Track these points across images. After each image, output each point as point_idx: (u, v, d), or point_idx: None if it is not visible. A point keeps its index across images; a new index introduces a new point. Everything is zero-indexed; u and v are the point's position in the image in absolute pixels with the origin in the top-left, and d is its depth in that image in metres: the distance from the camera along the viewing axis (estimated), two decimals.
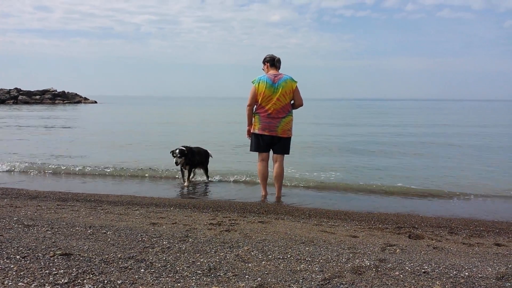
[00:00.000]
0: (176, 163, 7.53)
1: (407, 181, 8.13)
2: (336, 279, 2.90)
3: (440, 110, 54.68)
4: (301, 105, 6.49)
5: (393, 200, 6.82)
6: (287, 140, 6.43)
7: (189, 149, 7.73)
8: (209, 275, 2.92)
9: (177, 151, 7.53)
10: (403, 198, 6.92)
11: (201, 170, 8.25)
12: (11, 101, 59.17)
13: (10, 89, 63.37)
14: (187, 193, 7.12)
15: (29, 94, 62.86)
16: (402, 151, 13.04)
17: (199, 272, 2.98)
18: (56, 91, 66.86)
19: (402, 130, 21.90)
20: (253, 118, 6.42)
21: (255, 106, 6.37)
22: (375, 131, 20.77)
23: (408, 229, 4.74)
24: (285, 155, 6.51)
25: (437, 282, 2.89)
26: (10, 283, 2.66)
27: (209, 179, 8.17)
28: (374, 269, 3.12)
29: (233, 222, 4.71)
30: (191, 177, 7.99)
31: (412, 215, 5.64)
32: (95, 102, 72.21)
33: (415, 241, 4.17)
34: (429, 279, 2.95)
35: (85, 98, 71.42)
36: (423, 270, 3.12)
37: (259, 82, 6.25)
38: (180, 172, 8.00)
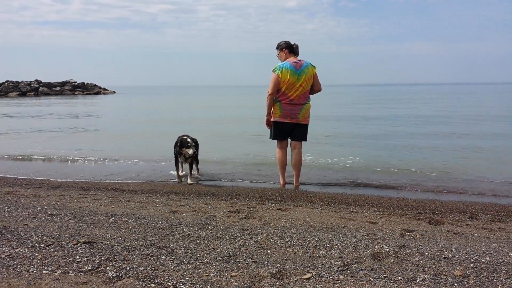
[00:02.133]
0: (193, 153, 6.71)
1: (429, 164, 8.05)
2: (355, 265, 2.91)
3: (469, 95, 53.38)
4: (320, 90, 6.52)
5: (412, 184, 6.76)
6: (306, 126, 6.44)
7: (194, 139, 6.94)
8: (229, 262, 2.96)
9: (190, 140, 6.76)
10: (422, 181, 6.86)
11: (193, 162, 7.19)
12: (32, 93, 60.16)
13: (31, 81, 64.41)
14: (204, 182, 7.15)
15: (49, 86, 63.84)
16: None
17: (219, 258, 3.02)
18: (75, 82, 67.76)
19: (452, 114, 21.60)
20: (272, 107, 6.38)
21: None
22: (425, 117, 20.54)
23: (428, 215, 4.70)
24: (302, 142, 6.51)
25: (458, 268, 2.88)
26: (35, 271, 2.74)
27: (199, 173, 7.43)
28: (393, 255, 3.12)
29: (251, 209, 4.74)
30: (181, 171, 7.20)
31: (432, 201, 5.59)
32: (114, 92, 72.92)
33: (435, 227, 4.14)
34: (450, 265, 2.93)
35: (104, 89, 72.21)
36: (443, 256, 3.11)
37: (281, 70, 6.20)
38: (175, 166, 7.10)
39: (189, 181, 6.81)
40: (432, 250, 3.25)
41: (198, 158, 7.32)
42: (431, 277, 2.73)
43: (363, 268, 2.85)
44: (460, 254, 3.15)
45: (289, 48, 6.42)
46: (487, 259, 3.06)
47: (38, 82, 64.43)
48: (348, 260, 3.01)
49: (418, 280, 2.68)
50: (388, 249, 3.25)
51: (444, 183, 6.83)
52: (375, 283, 2.63)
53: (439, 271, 2.82)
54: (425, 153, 9.88)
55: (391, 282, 2.64)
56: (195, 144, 6.79)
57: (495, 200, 5.78)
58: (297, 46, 6.44)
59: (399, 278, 2.70)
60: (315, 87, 6.45)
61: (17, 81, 63.86)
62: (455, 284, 2.63)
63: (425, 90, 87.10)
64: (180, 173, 7.05)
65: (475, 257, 3.08)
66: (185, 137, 6.86)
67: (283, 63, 6.29)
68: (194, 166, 7.13)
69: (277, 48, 6.54)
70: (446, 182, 6.93)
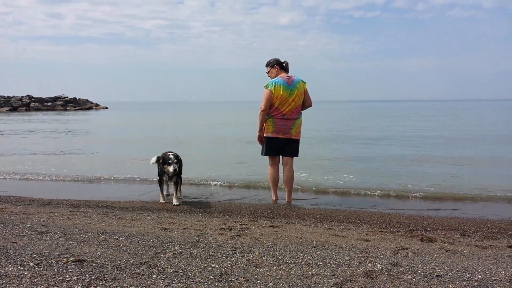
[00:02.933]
0: (175, 171, 6.16)
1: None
2: (348, 284, 2.89)
3: (465, 111, 53.62)
4: (311, 105, 6.61)
5: (405, 203, 6.78)
6: (298, 142, 6.47)
7: (177, 155, 6.41)
8: (221, 281, 2.93)
9: (172, 156, 6.25)
10: (416, 201, 6.88)
11: (178, 181, 6.61)
12: (23, 108, 59.89)
13: (22, 96, 64.16)
14: (195, 199, 7.11)
15: (41, 101, 63.61)
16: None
17: (211, 277, 2.99)
18: (67, 97, 67.60)
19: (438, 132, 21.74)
20: (265, 122, 6.41)
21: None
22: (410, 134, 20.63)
23: (420, 232, 4.71)
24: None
25: (450, 286, 2.88)
26: None
27: (181, 195, 6.85)
28: (386, 273, 3.11)
29: (244, 226, 4.72)
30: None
31: (424, 217, 5.60)
32: (106, 108, 72.80)
33: (427, 244, 4.15)
34: (442, 283, 2.93)
35: (96, 104, 72.08)
36: (436, 274, 3.10)
37: (274, 85, 6.26)
38: (160, 185, 6.60)
39: (174, 201, 6.28)
40: (424, 268, 3.25)
41: (182, 177, 6.78)
42: None
43: (356, 287, 2.84)
44: (452, 272, 3.15)
45: (279, 65, 6.51)
46: (480, 277, 3.06)
47: (30, 97, 64.19)
48: (341, 278, 2.99)
49: None
50: (381, 267, 3.24)
51: (436, 201, 6.85)
52: None
53: None
54: (418, 171, 9.93)
55: None
56: (177, 161, 6.24)
57: (487, 215, 5.80)
58: (287, 63, 6.54)
59: None
60: (306, 103, 6.53)
61: (8, 96, 63.60)
62: None
63: (421, 106, 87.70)
64: (165, 193, 6.66)
65: (468, 275, 3.08)
66: (168, 153, 6.35)
67: (275, 79, 6.35)
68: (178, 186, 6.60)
69: (267, 65, 6.61)
70: (438, 199, 6.96)
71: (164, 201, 6.40)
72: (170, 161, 6.18)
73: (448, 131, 22.06)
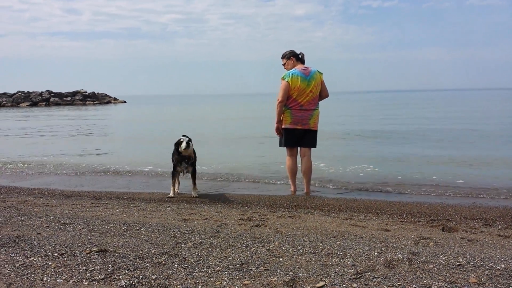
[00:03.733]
0: (188, 145, 6.06)
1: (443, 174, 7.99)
2: (369, 273, 2.88)
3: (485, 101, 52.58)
4: (327, 96, 6.62)
5: (425, 194, 6.71)
6: (316, 133, 6.46)
7: (190, 138, 6.25)
8: (241, 270, 2.95)
9: (183, 136, 6.18)
10: (435, 190, 6.80)
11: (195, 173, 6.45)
12: (43, 103, 60.84)
13: (42, 91, 65.14)
14: (214, 191, 7.13)
15: (60, 96, 64.54)
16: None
17: (231, 266, 3.01)
18: (86, 92, 68.43)
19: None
20: (283, 114, 6.40)
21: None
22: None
23: (441, 222, 4.66)
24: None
25: (473, 275, 2.84)
26: (49, 280, 2.76)
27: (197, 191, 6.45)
28: (407, 263, 3.09)
29: (263, 217, 4.73)
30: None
31: (445, 207, 5.53)
32: (125, 102, 73.50)
33: (449, 234, 4.10)
34: (464, 272, 2.90)
35: (115, 98, 72.83)
36: (457, 263, 3.07)
37: (291, 77, 6.26)
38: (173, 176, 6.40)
39: (193, 193, 6.30)
40: (446, 257, 3.21)
41: (196, 169, 6.53)
42: (446, 284, 2.69)
43: (376, 276, 2.83)
44: (475, 261, 3.11)
45: (296, 57, 6.50)
46: (502, 266, 3.01)
47: (49, 92, 65.15)
48: (362, 268, 2.98)
49: (433, 287, 2.65)
50: (401, 257, 3.22)
51: (457, 190, 6.77)
52: None
53: (454, 279, 2.78)
54: (439, 162, 9.80)
55: None
56: (189, 140, 6.13)
57: (510, 204, 5.71)
58: (303, 55, 6.53)
59: (414, 286, 2.67)
60: (323, 93, 6.53)
61: (28, 92, 64.63)
62: None
63: (439, 96, 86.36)
64: (176, 188, 6.42)
65: (490, 264, 3.04)
66: (181, 138, 6.23)
67: (292, 70, 6.34)
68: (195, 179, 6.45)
69: (283, 57, 6.59)
70: (460, 189, 6.87)
71: (173, 195, 6.26)
72: (181, 140, 6.12)
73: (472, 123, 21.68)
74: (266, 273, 2.90)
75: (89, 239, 3.66)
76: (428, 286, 2.66)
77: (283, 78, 6.32)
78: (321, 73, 6.43)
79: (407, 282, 2.72)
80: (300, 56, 6.52)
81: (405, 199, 6.17)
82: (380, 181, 7.52)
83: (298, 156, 6.55)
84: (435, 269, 2.96)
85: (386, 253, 3.31)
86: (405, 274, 2.87)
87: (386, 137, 14.85)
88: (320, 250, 3.40)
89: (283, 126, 6.41)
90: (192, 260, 3.13)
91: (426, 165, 9.13)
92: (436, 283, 2.71)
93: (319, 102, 6.53)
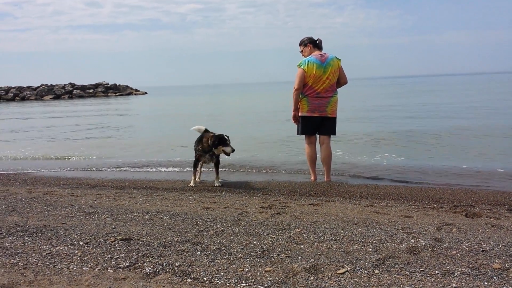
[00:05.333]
0: (233, 151, 6.19)
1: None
2: (391, 260, 2.88)
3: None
4: (346, 82, 6.51)
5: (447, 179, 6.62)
6: (334, 120, 6.40)
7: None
8: (263, 257, 2.98)
9: (227, 137, 6.20)
10: (458, 177, 6.71)
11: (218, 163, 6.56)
12: (66, 96, 61.81)
13: (65, 84, 66.14)
14: (234, 180, 7.15)
15: (83, 88, 65.44)
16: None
17: (253, 254, 3.04)
18: (108, 84, 69.21)
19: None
20: (299, 102, 6.37)
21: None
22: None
23: (464, 208, 4.60)
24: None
25: (497, 261, 2.81)
26: (75, 268, 2.84)
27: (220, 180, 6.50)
28: (430, 249, 3.07)
29: (283, 205, 4.75)
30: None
31: (468, 193, 5.45)
32: (146, 93, 74.09)
33: (472, 220, 4.05)
34: (488, 258, 2.87)
35: (136, 90, 73.45)
36: (481, 249, 3.04)
37: (307, 64, 6.20)
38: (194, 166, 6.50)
39: (216, 183, 6.35)
40: (469, 243, 3.18)
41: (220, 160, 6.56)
42: (469, 270, 2.67)
43: (398, 263, 2.82)
44: (498, 247, 3.07)
45: (313, 43, 6.42)
46: None
47: (72, 85, 66.09)
48: (383, 254, 2.98)
49: (456, 273, 2.63)
50: (424, 243, 3.20)
51: (481, 176, 6.66)
52: (412, 277, 2.60)
53: (477, 265, 2.76)
54: (463, 148, 9.64)
55: (428, 276, 2.60)
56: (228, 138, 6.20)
57: None
58: (320, 41, 6.44)
59: (436, 272, 2.66)
60: (341, 80, 6.43)
61: (51, 85, 65.68)
62: (494, 277, 2.57)
63: (465, 80, 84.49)
64: (197, 178, 6.54)
65: None
66: (222, 135, 6.21)
67: (308, 57, 6.28)
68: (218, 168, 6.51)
69: (300, 44, 6.53)
70: (484, 175, 6.76)
71: (194, 185, 6.32)
72: (227, 142, 6.14)
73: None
74: (287, 260, 2.92)
75: (113, 228, 3.74)
76: (451, 272, 2.65)
77: (299, 66, 6.27)
78: (339, 60, 6.33)
79: (429, 268, 2.71)
80: (317, 42, 6.45)
81: (427, 186, 6.10)
82: (400, 168, 7.44)
83: (318, 144, 6.52)
84: (458, 255, 2.94)
85: (409, 240, 3.30)
86: (427, 260, 2.85)
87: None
88: (341, 237, 3.40)
89: (300, 114, 6.38)
90: (214, 248, 3.18)
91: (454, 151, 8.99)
92: (459, 269, 2.69)
93: (338, 89, 6.44)
